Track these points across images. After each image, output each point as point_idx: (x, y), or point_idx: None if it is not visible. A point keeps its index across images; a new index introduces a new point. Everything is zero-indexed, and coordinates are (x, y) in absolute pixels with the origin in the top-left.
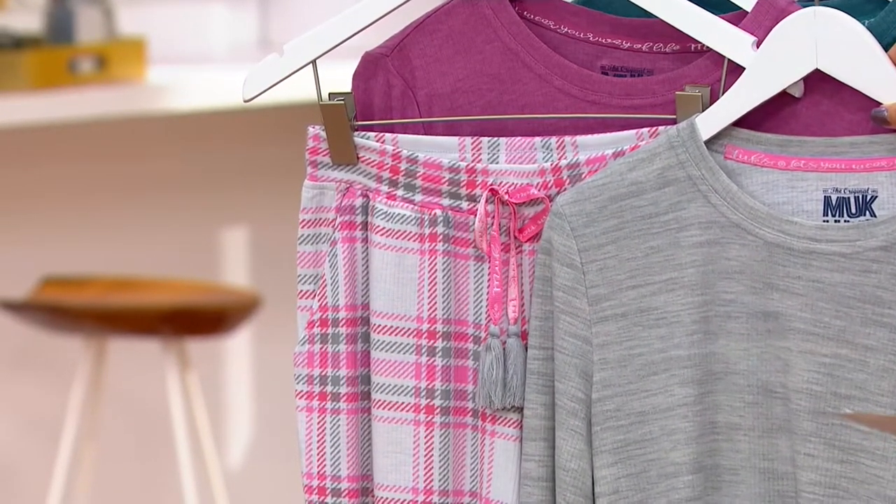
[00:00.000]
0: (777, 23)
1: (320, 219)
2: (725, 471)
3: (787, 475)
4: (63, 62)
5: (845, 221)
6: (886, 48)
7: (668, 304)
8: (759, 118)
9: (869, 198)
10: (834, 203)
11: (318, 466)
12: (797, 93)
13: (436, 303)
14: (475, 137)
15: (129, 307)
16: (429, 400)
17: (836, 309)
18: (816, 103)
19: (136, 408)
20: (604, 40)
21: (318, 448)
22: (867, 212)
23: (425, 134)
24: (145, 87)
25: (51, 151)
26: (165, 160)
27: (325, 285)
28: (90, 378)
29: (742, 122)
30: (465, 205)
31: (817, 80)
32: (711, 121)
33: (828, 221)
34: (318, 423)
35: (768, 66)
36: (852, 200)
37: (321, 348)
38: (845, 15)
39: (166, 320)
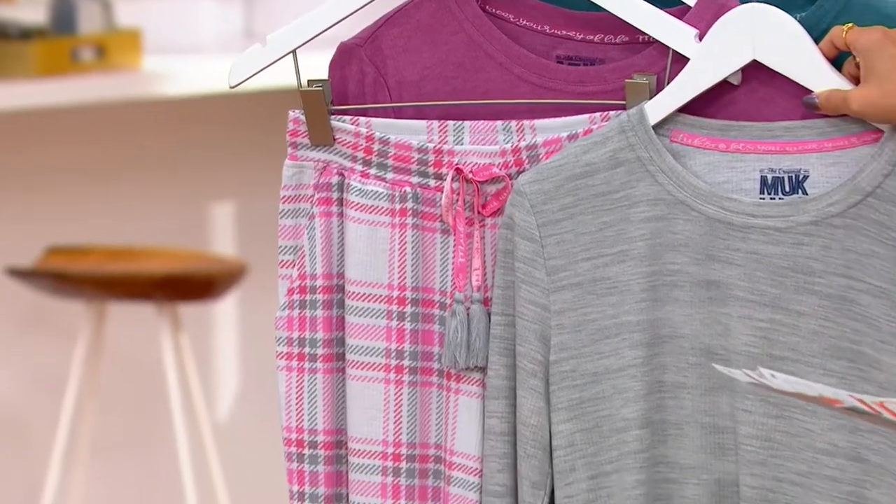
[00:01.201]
0: (717, 17)
1: (300, 195)
2: (671, 425)
3: (727, 429)
4: (66, 51)
5: (780, 199)
6: (816, 41)
7: (619, 274)
8: (702, 105)
9: (801, 177)
10: (769, 182)
11: (296, 421)
12: (735, 81)
13: (405, 272)
14: (442, 121)
15: (127, 274)
16: (398, 361)
17: (771, 278)
18: (754, 91)
19: (132, 366)
20: (559, 32)
21: (296, 404)
22: (800, 190)
23: (396, 118)
24: (141, 75)
25: (55, 133)
26: (159, 141)
27: (304, 256)
28: (91, 339)
29: (686, 109)
30: (432, 183)
31: (754, 70)
32: (658, 107)
33: (764, 199)
34: (297, 381)
35: (710, 57)
36: (786, 180)
37: (300, 313)
38: (780, 11)
39: (160, 286)
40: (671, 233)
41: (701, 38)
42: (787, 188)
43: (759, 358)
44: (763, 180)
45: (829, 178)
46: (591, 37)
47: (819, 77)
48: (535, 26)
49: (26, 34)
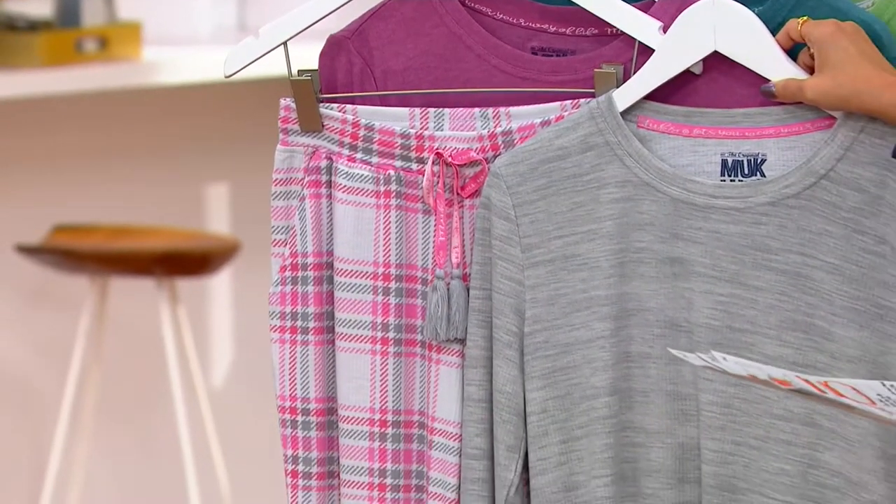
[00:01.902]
0: (681, 11)
1: (291, 178)
2: (637, 393)
3: (689, 396)
4: (70, 43)
5: (739, 181)
6: (773, 33)
7: (589, 251)
8: (667, 93)
9: (759, 160)
10: (730, 165)
11: (289, 389)
12: (697, 71)
13: (390, 250)
14: (423, 108)
15: (128, 251)
16: (384, 333)
17: (731, 255)
18: (715, 81)
19: (133, 336)
20: (533, 25)
21: (289, 374)
22: (758, 172)
23: (381, 105)
24: (141, 65)
25: (60, 119)
26: (158, 127)
27: (295, 235)
28: (95, 311)
29: (652, 97)
30: (414, 166)
31: (715, 62)
32: (626, 95)
33: (724, 181)
34: (290, 353)
35: (674, 48)
36: (745, 163)
37: (292, 289)
38: (740, 4)
39: (159, 262)
40: (638, 213)
41: (665, 30)
42: (746, 171)
43: (720, 330)
44: (724, 163)
45: (786, 162)
46: (564, 30)
47: (776, 67)
48: (511, 20)
49: (33, 26)
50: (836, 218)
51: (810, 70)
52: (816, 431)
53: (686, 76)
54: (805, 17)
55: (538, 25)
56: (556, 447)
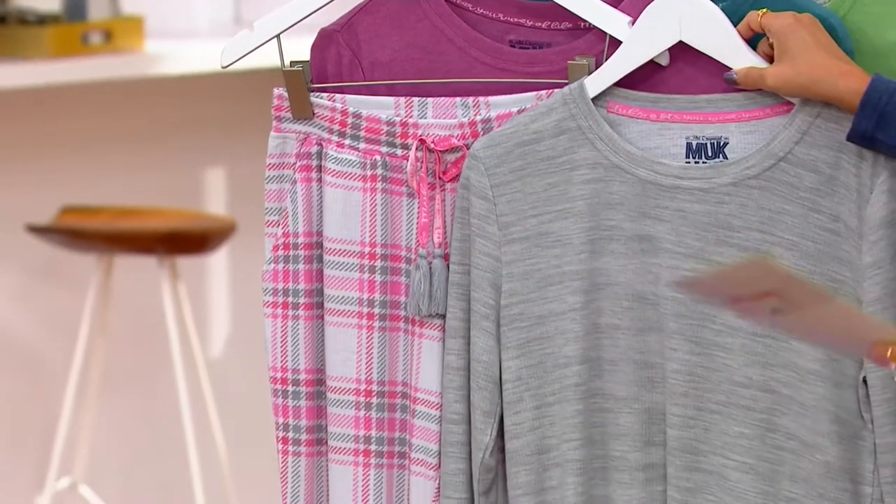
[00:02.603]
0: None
1: (283, 163)
2: (607, 362)
3: (656, 365)
4: (77, 35)
5: (703, 163)
6: (735, 25)
7: (562, 229)
8: (635, 82)
9: (722, 144)
10: (694, 148)
11: (281, 361)
12: (664, 62)
13: (376, 230)
14: (408, 98)
15: (132, 230)
16: (369, 308)
17: (695, 232)
18: (680, 71)
19: (136, 311)
20: (511, 19)
21: (281, 347)
22: (721, 155)
23: (368, 95)
24: (143, 56)
25: (68, 107)
26: (160, 114)
27: (287, 216)
28: (100, 287)
29: (622, 85)
30: (399, 152)
31: (681, 53)
32: (597, 82)
33: (689, 163)
34: (282, 327)
35: (642, 38)
36: (709, 146)
37: (284, 267)
38: None
39: (161, 241)
40: (608, 193)
41: (634, 23)
42: (709, 153)
43: (685, 303)
44: (688, 146)
45: (747, 145)
46: (540, 24)
47: (738, 56)
48: (490, 14)
49: (42, 20)
50: (793, 197)
51: (769, 59)
52: (774, 397)
53: (654, 68)
54: (765, 9)
55: (516, 20)
56: (530, 412)
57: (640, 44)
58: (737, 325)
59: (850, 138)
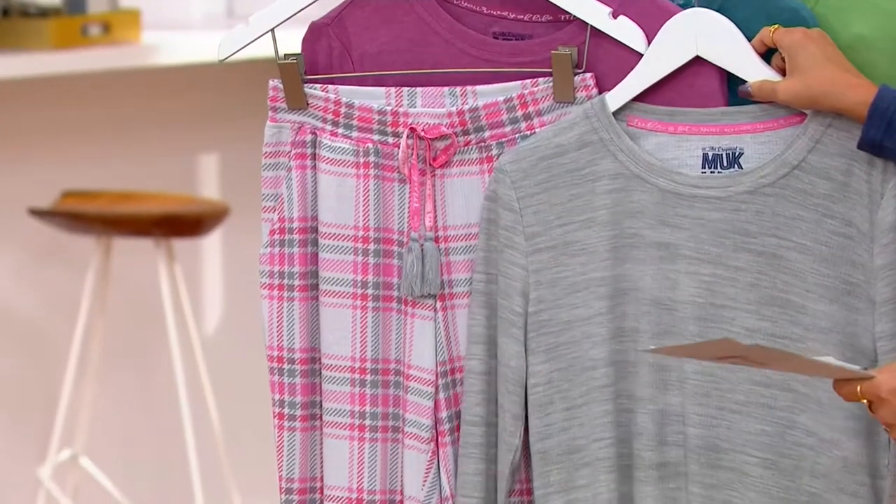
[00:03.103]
0: None
1: (279, 151)
2: (630, 364)
3: (672, 367)
4: (77, 27)
5: (719, 172)
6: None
7: (586, 237)
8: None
9: (737, 154)
10: (710, 158)
11: (277, 341)
12: (642, 49)
13: (369, 215)
14: (398, 88)
15: (130, 214)
16: (363, 290)
17: (713, 239)
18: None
19: (134, 291)
20: (495, 12)
21: (277, 327)
22: (736, 165)
23: (359, 85)
24: (140, 48)
25: (68, 96)
26: (156, 103)
27: (283, 202)
28: (100, 268)
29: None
30: (390, 140)
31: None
32: (617, 97)
33: (706, 172)
34: (278, 308)
35: (659, 53)
36: (724, 156)
37: (280, 251)
38: (718, 14)
39: (158, 224)
40: (630, 202)
41: (614, 16)
42: (725, 163)
43: (704, 306)
44: (705, 157)
45: (761, 155)
46: (522, 16)
47: (752, 69)
48: (474, 7)
49: (43, 13)
50: (807, 204)
51: (782, 72)
52: (793, 395)
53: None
54: (776, 25)
55: (499, 12)
56: (561, 414)
57: (658, 59)
58: (755, 327)
59: (860, 146)
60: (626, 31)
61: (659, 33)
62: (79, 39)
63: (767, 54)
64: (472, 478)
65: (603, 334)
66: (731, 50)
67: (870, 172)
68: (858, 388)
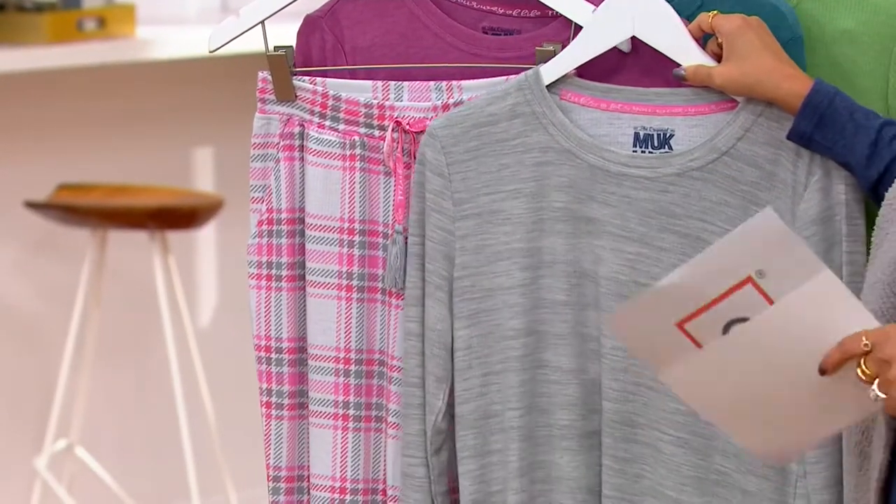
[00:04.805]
0: None
1: (267, 142)
2: (550, 335)
3: (594, 339)
4: (72, 22)
5: (649, 153)
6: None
7: (512, 208)
8: (594, 75)
9: (668, 135)
10: (641, 138)
11: (265, 330)
12: (626, 48)
13: (354, 207)
14: (385, 81)
15: (125, 207)
16: (348, 281)
17: (639, 218)
18: (636, 64)
19: (129, 283)
20: (484, 7)
21: (265, 317)
22: (666, 146)
23: (350, 79)
24: (135, 42)
25: (64, 90)
26: (151, 97)
27: (271, 193)
28: (95, 260)
29: (581, 76)
30: (377, 133)
31: (639, 46)
32: (552, 70)
33: (636, 152)
34: (266, 298)
35: (597, 31)
36: (655, 137)
37: (268, 241)
38: None
39: (152, 217)
40: (558, 176)
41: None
42: (655, 144)
43: (626, 283)
44: (636, 136)
45: (692, 138)
46: (510, 12)
47: (688, 53)
48: (464, 2)
49: (40, 7)
50: (734, 190)
51: (717, 58)
52: None
53: (610, 59)
54: (715, 11)
55: (488, 8)
56: (478, 380)
57: (594, 36)
58: None
59: (789, 137)
60: None
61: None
62: (74, 34)
63: (703, 40)
64: (416, 438)
65: (524, 304)
66: (668, 33)
67: (796, 164)
68: (863, 338)
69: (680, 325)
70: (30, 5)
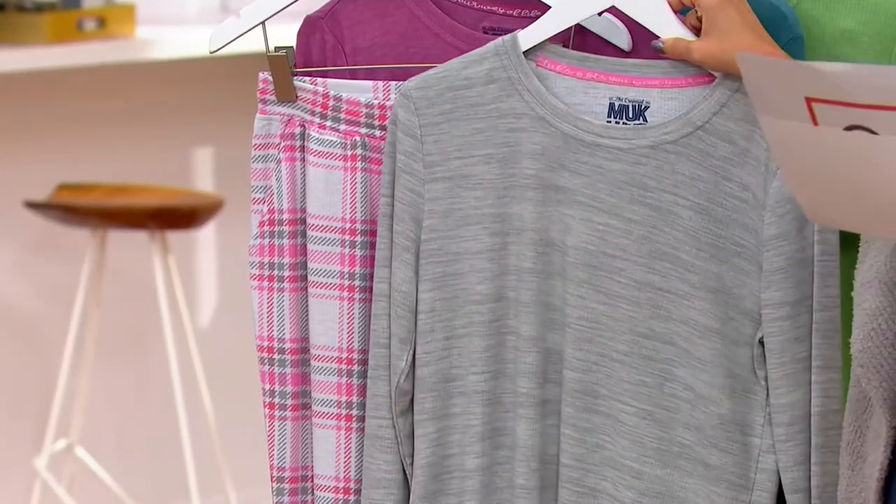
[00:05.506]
0: None
1: (268, 143)
2: (516, 302)
3: (558, 308)
4: (72, 22)
5: (624, 124)
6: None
7: (483, 173)
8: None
9: (643, 107)
10: (616, 108)
11: (267, 331)
12: (626, 48)
13: (356, 207)
14: (385, 82)
15: (125, 207)
16: (350, 281)
17: (610, 189)
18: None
19: (129, 283)
20: (485, 7)
21: (267, 318)
22: (641, 118)
23: (351, 79)
24: (135, 42)
25: (64, 90)
26: (151, 97)
27: (272, 194)
28: (95, 260)
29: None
30: (377, 133)
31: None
32: (530, 36)
33: (611, 122)
34: (268, 299)
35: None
36: (630, 108)
37: (269, 242)
38: None
39: (152, 217)
40: (531, 143)
41: (600, 14)
42: (630, 115)
43: (595, 254)
44: (611, 106)
45: (667, 111)
46: (511, 11)
47: (666, 26)
48: (464, 2)
49: (40, 7)
50: (707, 165)
51: (696, 31)
52: (674, 349)
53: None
54: None
55: (489, 7)
56: (440, 343)
57: (573, 4)
58: (643, 280)
59: None
60: (610, 27)
61: None
62: (74, 34)
63: (683, 12)
64: (383, 399)
65: (492, 269)
66: (647, 4)
67: None
68: None
69: (808, 101)
70: (30, 5)
